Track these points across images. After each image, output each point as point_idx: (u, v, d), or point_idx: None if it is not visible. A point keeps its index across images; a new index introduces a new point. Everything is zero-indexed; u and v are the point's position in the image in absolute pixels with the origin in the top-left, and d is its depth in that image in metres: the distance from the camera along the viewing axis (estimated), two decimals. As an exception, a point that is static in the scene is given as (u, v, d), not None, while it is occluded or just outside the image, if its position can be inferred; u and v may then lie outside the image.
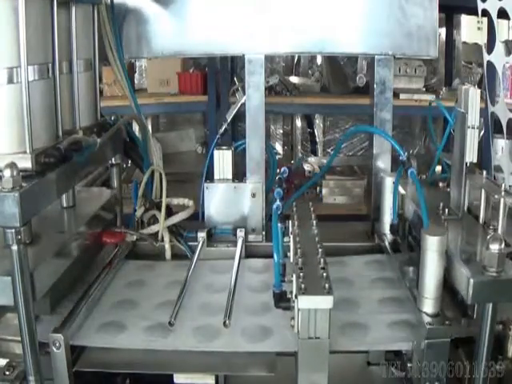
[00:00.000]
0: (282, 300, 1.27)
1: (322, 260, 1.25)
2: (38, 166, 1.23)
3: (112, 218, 1.75)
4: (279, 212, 1.42)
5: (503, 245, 1.15)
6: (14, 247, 1.13)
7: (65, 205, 1.61)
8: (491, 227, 1.35)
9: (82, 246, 1.50)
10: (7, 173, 1.11)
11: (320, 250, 1.29)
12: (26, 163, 1.21)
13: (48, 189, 1.26)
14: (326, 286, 1.14)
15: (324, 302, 1.12)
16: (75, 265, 1.44)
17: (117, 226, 1.74)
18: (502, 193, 1.32)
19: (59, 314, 1.33)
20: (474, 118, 1.41)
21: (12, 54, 1.19)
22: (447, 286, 1.26)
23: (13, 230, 1.12)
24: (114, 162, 1.75)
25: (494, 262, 1.15)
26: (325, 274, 1.18)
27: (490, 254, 1.15)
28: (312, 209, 1.56)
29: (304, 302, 1.12)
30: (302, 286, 1.14)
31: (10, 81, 1.20)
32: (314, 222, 1.47)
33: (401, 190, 1.65)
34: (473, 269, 1.18)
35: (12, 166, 1.12)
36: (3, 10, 1.18)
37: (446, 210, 1.48)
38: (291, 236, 1.43)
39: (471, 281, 1.15)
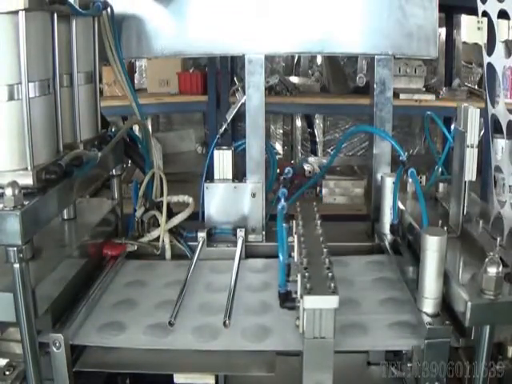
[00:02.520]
0: (287, 300, 1.27)
1: (327, 260, 1.25)
2: (39, 183, 1.23)
3: (113, 229, 1.75)
4: (284, 212, 1.42)
5: (501, 268, 1.16)
6: (16, 265, 1.13)
7: (65, 217, 1.60)
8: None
9: (83, 259, 1.50)
10: (9, 192, 1.11)
11: (325, 250, 1.29)
12: (27, 180, 1.20)
13: (49, 205, 1.26)
14: (332, 285, 1.15)
15: (329, 302, 1.13)
16: (77, 278, 1.44)
17: (117, 237, 1.72)
18: (497, 248, 1.33)
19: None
20: (473, 137, 1.42)
21: (12, 71, 1.19)
22: (445, 305, 1.27)
23: (15, 249, 1.12)
24: (114, 173, 1.74)
25: (491, 286, 1.16)
26: (330, 274, 1.19)
27: (487, 277, 1.17)
28: (316, 209, 1.56)
29: (309, 302, 1.13)
30: (308, 285, 1.14)
31: (11, 98, 1.19)
32: (319, 222, 1.47)
33: (400, 205, 1.65)
34: (470, 292, 1.19)
35: (13, 184, 1.12)
36: (3, 26, 1.17)
37: (445, 228, 1.48)
38: (295, 236, 1.43)
39: (469, 304, 1.16)
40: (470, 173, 1.44)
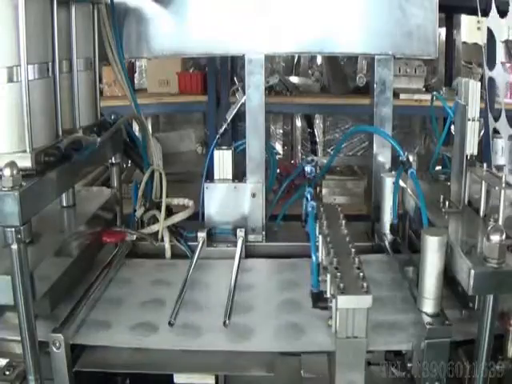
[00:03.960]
0: (319, 300, 1.27)
1: (356, 260, 1.25)
2: (37, 165, 1.23)
3: (112, 218, 1.75)
4: (314, 212, 1.41)
5: (504, 236, 1.15)
6: (14, 246, 1.13)
7: (65, 204, 1.61)
8: (491, 219, 1.35)
9: (81, 245, 1.50)
10: (7, 172, 1.11)
11: (353, 250, 1.29)
12: (25, 162, 1.21)
13: (48, 188, 1.26)
14: (364, 285, 1.15)
15: (363, 302, 1.13)
16: (75, 264, 1.44)
17: (117, 226, 1.73)
18: (503, 184, 1.32)
19: (58, 313, 1.32)
20: (474, 110, 1.41)
21: (12, 53, 1.19)
22: (447, 278, 1.26)
23: (13, 229, 1.12)
24: (113, 161, 1.75)
25: (494, 253, 1.15)
26: (361, 274, 1.19)
27: (490, 245, 1.15)
28: (339, 209, 1.56)
29: (343, 302, 1.13)
30: (341, 285, 1.14)
31: (10, 80, 1.20)
32: (343, 222, 1.47)
33: (401, 183, 1.65)
34: (474, 260, 1.18)
35: (12, 165, 1.12)
36: (3, 8, 1.17)
37: (447, 203, 1.48)
38: (320, 236, 1.43)
39: (472, 272, 1.15)
40: (471, 146, 1.43)
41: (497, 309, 1.19)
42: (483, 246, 1.18)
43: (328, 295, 1.23)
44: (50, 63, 1.32)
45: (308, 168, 1.75)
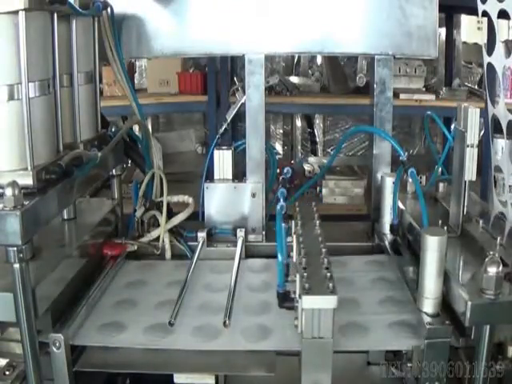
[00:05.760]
0: (286, 300, 1.27)
1: (325, 260, 1.25)
2: (39, 183, 1.23)
3: (113, 229, 1.75)
4: (283, 212, 1.42)
5: (501, 267, 1.16)
6: (16, 265, 1.13)
7: (65, 217, 1.60)
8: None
9: (83, 259, 1.50)
10: (9, 191, 1.11)
11: (324, 250, 1.29)
12: (27, 180, 1.20)
13: (49, 205, 1.25)
14: (330, 285, 1.14)
15: (328, 302, 1.13)
16: (77, 278, 1.44)
17: (117, 237, 1.72)
18: (498, 247, 1.34)
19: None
20: (473, 137, 1.42)
21: (13, 71, 1.18)
22: (445, 303, 1.27)
23: (15, 249, 1.12)
24: (114, 173, 1.74)
25: (491, 285, 1.16)
26: (328, 274, 1.18)
27: (487, 277, 1.17)
28: (315, 209, 1.56)
29: (308, 302, 1.13)
30: (306, 285, 1.14)
31: (11, 98, 1.19)
32: (318, 221, 1.47)
33: (400, 205, 1.65)
34: (470, 291, 1.19)
35: (13, 184, 1.12)
36: (3, 26, 1.17)
37: (445, 228, 1.49)
38: (294, 236, 1.43)
39: (469, 304, 1.16)
40: (470, 173, 1.44)
41: (492, 338, 1.20)
42: (480, 276, 1.19)
43: (295, 295, 1.23)
44: (51, 79, 1.31)
45: (285, 169, 1.74)
